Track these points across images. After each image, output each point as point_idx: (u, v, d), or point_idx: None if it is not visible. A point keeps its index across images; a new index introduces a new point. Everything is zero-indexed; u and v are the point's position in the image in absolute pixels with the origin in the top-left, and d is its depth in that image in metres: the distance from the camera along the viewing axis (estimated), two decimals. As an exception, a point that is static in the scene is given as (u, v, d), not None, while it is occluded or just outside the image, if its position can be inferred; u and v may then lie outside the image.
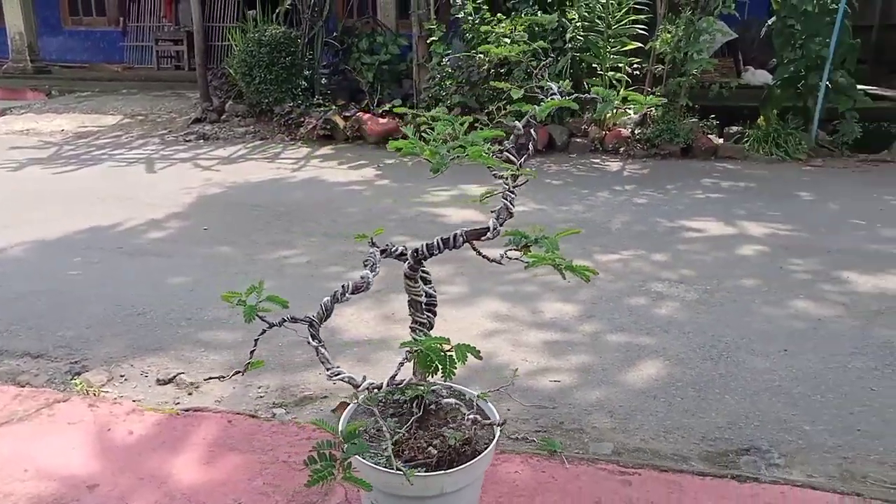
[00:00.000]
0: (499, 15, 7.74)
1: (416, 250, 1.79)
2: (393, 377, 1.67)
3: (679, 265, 4.14)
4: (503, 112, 2.14)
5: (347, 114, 8.33)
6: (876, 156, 7.36)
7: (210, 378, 2.04)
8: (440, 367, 1.56)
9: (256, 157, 7.41)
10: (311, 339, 1.71)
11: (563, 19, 7.51)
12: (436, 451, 1.61)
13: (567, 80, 2.22)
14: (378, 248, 1.86)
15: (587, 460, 2.06)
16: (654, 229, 4.90)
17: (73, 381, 2.71)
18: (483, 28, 7.58)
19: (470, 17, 7.80)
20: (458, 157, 1.68)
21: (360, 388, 1.67)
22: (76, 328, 3.23)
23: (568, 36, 7.33)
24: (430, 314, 1.90)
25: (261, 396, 2.66)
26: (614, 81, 7.46)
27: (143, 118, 9.33)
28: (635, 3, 7.28)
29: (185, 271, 4.04)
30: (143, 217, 5.07)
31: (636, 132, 7.36)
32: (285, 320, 1.73)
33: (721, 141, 7.46)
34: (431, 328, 1.89)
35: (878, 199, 5.65)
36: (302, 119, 8.34)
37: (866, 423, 2.45)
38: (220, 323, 3.32)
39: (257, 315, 1.69)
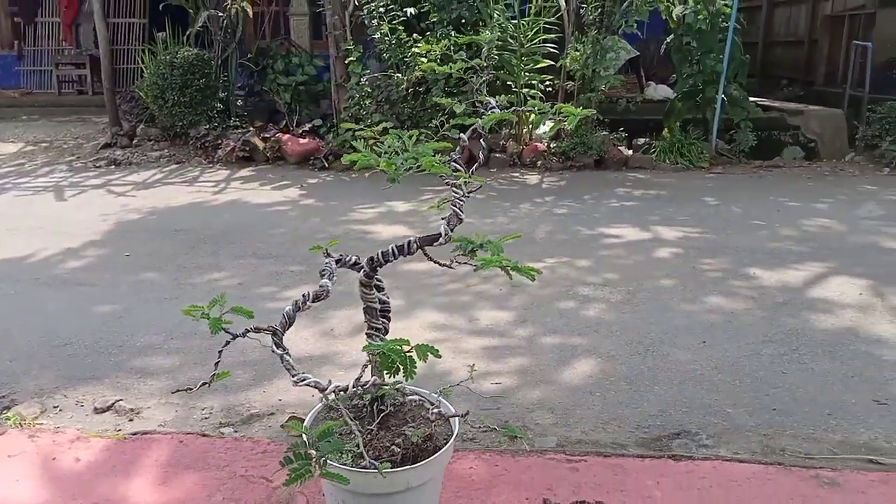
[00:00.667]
0: (415, 35, 7.90)
1: (372, 258, 1.86)
2: (358, 379, 1.72)
3: (602, 269, 4.36)
4: (446, 126, 2.23)
5: (266, 135, 8.27)
6: (769, 162, 7.96)
7: (177, 391, 2.00)
8: (401, 367, 1.63)
9: (174, 181, 7.23)
10: (275, 348, 1.74)
11: (478, 39, 7.75)
12: (399, 449, 1.67)
13: (502, 96, 2.34)
14: (333, 258, 1.90)
15: (536, 452, 2.18)
16: (576, 237, 5.13)
17: (3, 416, 2.60)
18: (403, 48, 7.72)
19: (386, 38, 7.92)
20: (412, 167, 1.75)
21: (326, 392, 1.72)
22: (-1, 362, 3.10)
23: (483, 55, 7.57)
24: (384, 320, 1.97)
25: (206, 418, 2.63)
26: (529, 98, 7.75)
27: (47, 145, 8.93)
28: (546, 23, 7.60)
29: (111, 299, 3.92)
30: (58, 246, 4.87)
31: (552, 146, 7.66)
32: (248, 331, 1.76)
33: (630, 152, 7.87)
34: (386, 333, 1.96)
35: (775, 202, 6.12)
36: (219, 141, 8.20)
37: (780, 403, 2.68)
38: (153, 349, 3.25)
39: (222, 327, 1.70)
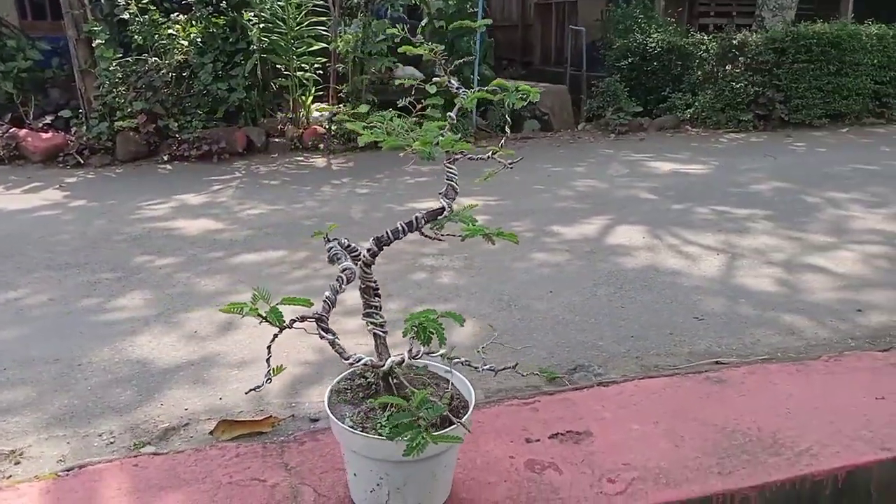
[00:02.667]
0: (174, 15, 7.36)
1: (379, 238, 1.89)
2: (409, 351, 1.76)
3: (428, 241, 4.62)
4: (420, 106, 2.28)
5: (-4, 130, 7.08)
6: (521, 134, 8.93)
7: (250, 391, 1.78)
8: (436, 335, 1.72)
9: None
10: (324, 333, 1.69)
11: (243, 21, 7.46)
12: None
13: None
14: (335, 241, 1.89)
15: (494, 402, 2.39)
16: (392, 214, 5.33)
17: None
18: (157, 30, 7.14)
19: (137, 19, 7.26)
20: (452, 144, 1.81)
21: (383, 367, 1.72)
22: None
23: (252, 37, 7.32)
24: (378, 298, 2.00)
25: (110, 443, 2.37)
26: (304, 81, 7.69)
27: None
28: (314, 6, 7.58)
29: None
30: None
31: (332, 129, 7.72)
32: (295, 320, 1.69)
33: (403, 131, 8.25)
34: (381, 309, 1.99)
35: (543, 168, 6.94)
36: (-71, 141, 6.83)
37: (633, 331, 3.21)
38: (-12, 383, 2.78)
39: (281, 320, 1.63)
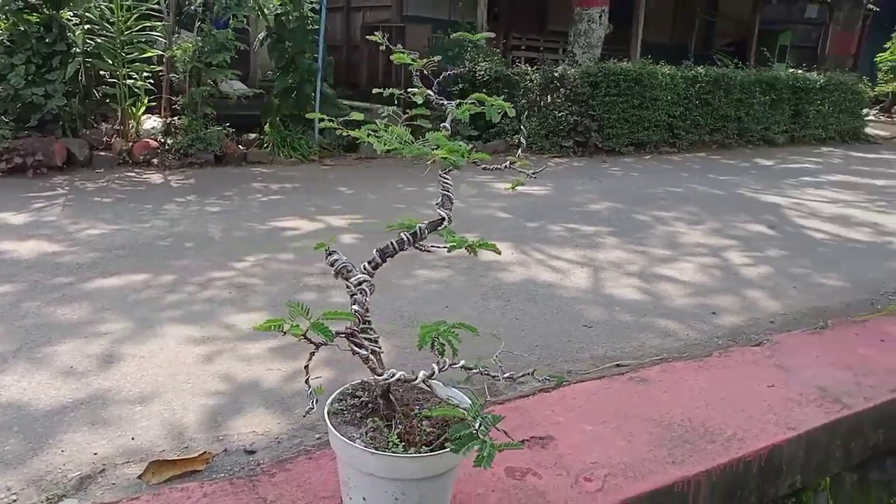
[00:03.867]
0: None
1: (384, 249, 1.82)
2: (438, 364, 1.70)
3: (307, 260, 4.49)
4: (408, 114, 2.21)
5: None
6: (365, 154, 8.93)
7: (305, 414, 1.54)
8: (449, 346, 1.70)
9: None
10: (357, 349, 1.59)
11: (62, 20, 6.71)
12: (431, 429, 1.72)
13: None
14: (336, 253, 1.80)
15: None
16: (255, 233, 5.09)
17: None
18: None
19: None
20: (465, 154, 1.78)
21: (417, 381, 1.65)
22: None
23: (77, 39, 6.60)
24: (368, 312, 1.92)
25: (13, 501, 2.02)
26: (135, 89, 7.08)
27: None
28: (148, 10, 7.03)
29: None
30: None
31: (166, 142, 7.18)
32: (338, 334, 1.57)
33: (243, 148, 7.90)
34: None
35: (394, 188, 7.03)
36: None
37: (535, 340, 3.38)
38: None
39: (329, 334, 1.50)
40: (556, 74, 10.02)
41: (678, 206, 6.72)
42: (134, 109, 7.18)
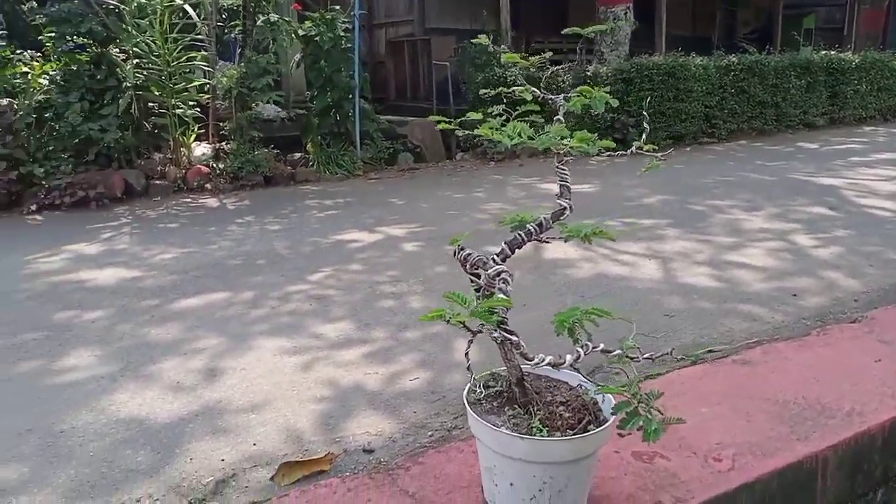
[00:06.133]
0: (27, 53, 6.69)
1: (511, 241, 1.87)
2: (584, 347, 1.75)
3: (377, 269, 4.56)
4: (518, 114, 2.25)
5: None
6: (408, 166, 9.04)
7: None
8: (584, 331, 1.73)
9: None
10: (507, 336, 1.63)
11: (111, 56, 6.92)
12: (568, 414, 1.75)
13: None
14: (468, 248, 1.85)
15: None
16: (319, 247, 5.18)
17: None
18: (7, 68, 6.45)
19: (-16, 55, 6.51)
20: (594, 144, 1.82)
21: (566, 364, 1.69)
22: None
23: (127, 73, 6.81)
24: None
25: (156, 508, 2.10)
26: (184, 118, 7.26)
27: None
28: (192, 41, 7.22)
29: None
30: None
31: (217, 167, 7.34)
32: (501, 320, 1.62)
33: (290, 168, 8.04)
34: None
35: (443, 196, 7.09)
36: None
37: (620, 333, 3.39)
38: (-44, 467, 2.34)
39: (491, 319, 1.56)
40: (588, 73, 10.03)
41: (732, 194, 6.67)
42: (184, 137, 7.36)
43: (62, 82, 6.76)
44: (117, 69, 6.94)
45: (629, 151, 2.08)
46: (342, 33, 8.43)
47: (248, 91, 7.44)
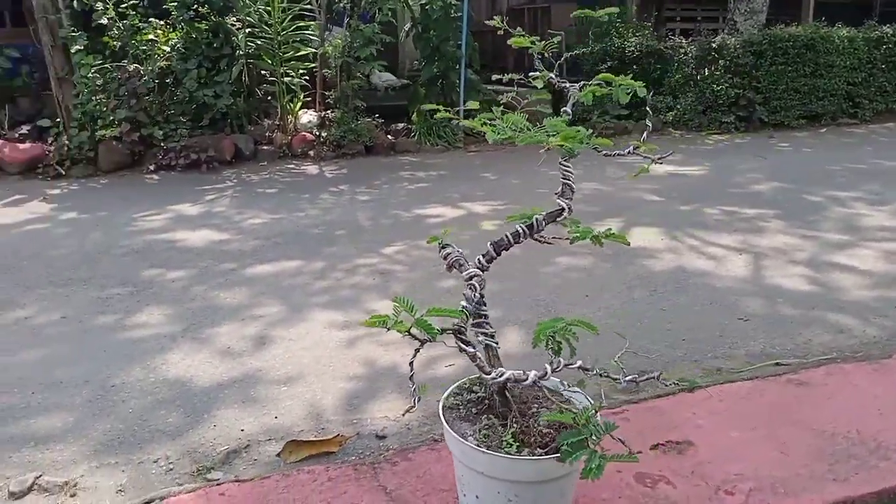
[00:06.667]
0: (152, 21, 7.12)
1: (498, 243, 1.78)
2: (551, 364, 1.65)
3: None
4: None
5: (-32, 142, 6.72)
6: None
7: (406, 412, 1.66)
8: (567, 344, 1.62)
9: None
10: (464, 346, 1.57)
11: (227, 25, 7.24)
12: (548, 430, 1.65)
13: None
14: (451, 247, 1.78)
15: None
16: (400, 220, 5.21)
17: None
18: (138, 36, 6.90)
19: (116, 24, 6.99)
20: (589, 140, 1.71)
21: (527, 382, 1.61)
22: None
23: (239, 42, 7.10)
24: (485, 307, 1.88)
25: (169, 469, 2.20)
26: (292, 87, 7.51)
27: None
28: (301, 10, 7.41)
29: None
30: None
31: (321, 135, 7.54)
32: (440, 331, 1.57)
33: (391, 138, 8.13)
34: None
35: (540, 171, 6.88)
36: None
37: (682, 334, 3.16)
38: (19, 410, 2.57)
39: (433, 331, 1.50)
40: (713, 45, 9.33)
41: (859, 185, 6.01)
42: (291, 105, 7.61)
43: (183, 49, 7.16)
44: (232, 38, 7.25)
45: (626, 151, 1.89)
46: (452, 1, 8.33)
47: (353, 60, 7.55)
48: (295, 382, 2.79)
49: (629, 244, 1.88)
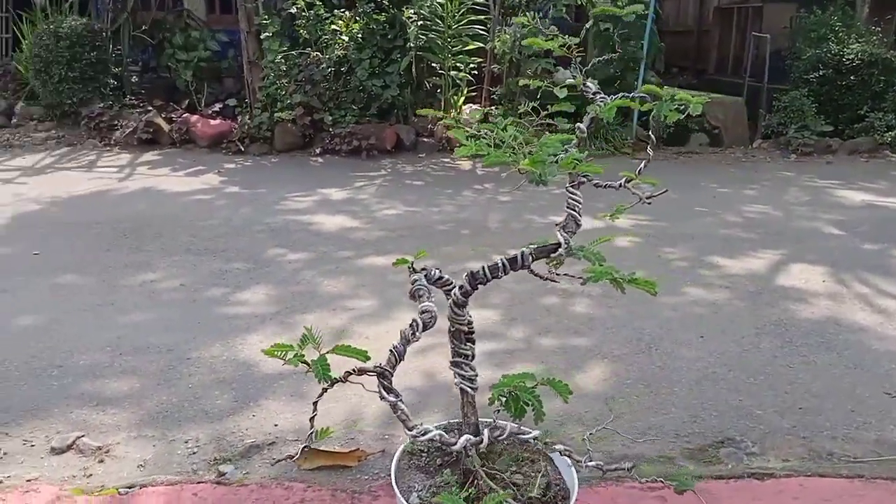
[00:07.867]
0: (335, 11, 7.46)
1: (475, 274, 1.57)
2: (492, 430, 1.44)
3: (569, 261, 4.21)
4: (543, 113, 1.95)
5: (171, 115, 7.54)
6: (684, 148, 8.19)
7: (278, 461, 1.67)
8: (532, 408, 1.37)
9: (69, 166, 6.44)
10: (385, 394, 1.41)
11: (402, 18, 7.41)
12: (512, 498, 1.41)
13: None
14: (421, 274, 1.60)
15: (613, 482, 1.98)
16: (531, 227, 4.98)
17: (-72, 470, 2.08)
18: (322, 25, 7.27)
19: (304, 13, 7.43)
20: (572, 165, 1.47)
21: (456, 447, 1.41)
22: None
23: (410, 34, 7.23)
24: (471, 344, 1.68)
25: (193, 453, 2.23)
26: (457, 81, 7.51)
27: None
28: (473, 4, 7.38)
29: (30, 307, 3.34)
30: (-55, 244, 4.14)
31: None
32: (350, 373, 1.43)
33: (557, 138, 7.84)
34: (473, 358, 1.67)
35: (707, 188, 6.26)
36: (115, 122, 7.40)
37: (802, 401, 2.64)
38: (102, 368, 2.77)
39: (328, 374, 1.37)
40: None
41: None
42: (455, 99, 7.62)
43: (360, 40, 7.45)
44: (406, 30, 7.40)
45: (617, 185, 1.55)
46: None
47: (522, 57, 7.38)
48: (349, 384, 2.71)
49: (656, 294, 1.54)
